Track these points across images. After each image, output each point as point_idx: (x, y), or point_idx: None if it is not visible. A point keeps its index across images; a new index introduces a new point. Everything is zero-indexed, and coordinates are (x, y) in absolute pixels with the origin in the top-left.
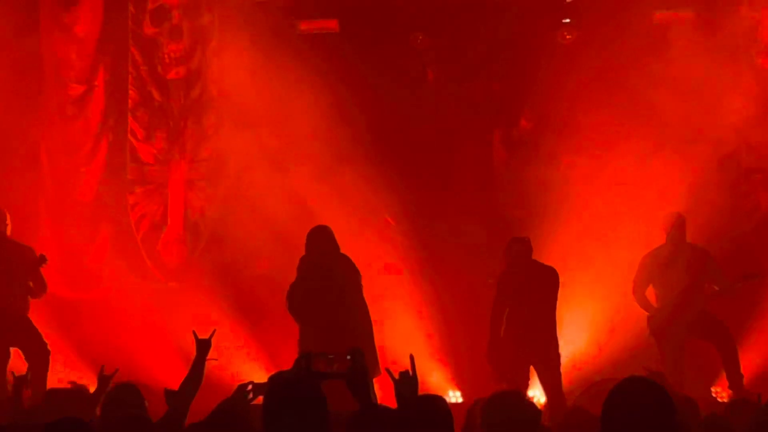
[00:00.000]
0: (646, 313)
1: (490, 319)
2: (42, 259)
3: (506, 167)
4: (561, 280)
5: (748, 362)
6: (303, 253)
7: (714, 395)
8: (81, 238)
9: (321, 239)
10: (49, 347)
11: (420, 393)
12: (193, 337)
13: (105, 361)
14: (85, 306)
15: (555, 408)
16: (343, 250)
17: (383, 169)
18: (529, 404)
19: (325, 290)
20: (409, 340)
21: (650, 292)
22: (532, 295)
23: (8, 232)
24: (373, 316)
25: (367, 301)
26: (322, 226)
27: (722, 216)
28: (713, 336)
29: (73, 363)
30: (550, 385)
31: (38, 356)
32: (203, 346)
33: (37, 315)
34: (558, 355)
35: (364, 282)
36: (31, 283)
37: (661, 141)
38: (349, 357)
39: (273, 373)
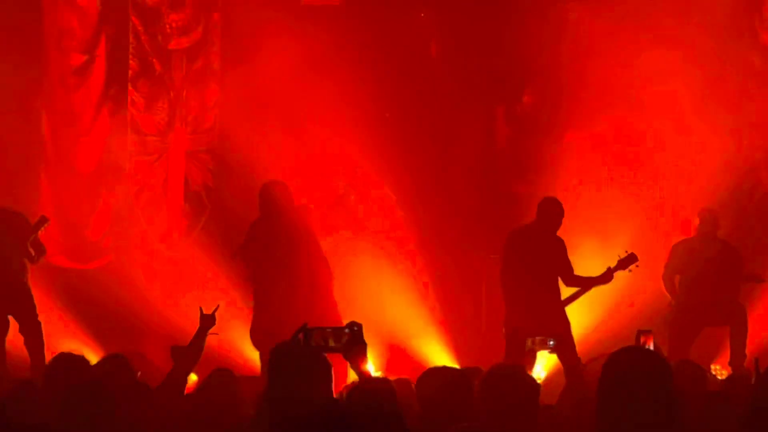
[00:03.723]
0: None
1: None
2: (43, 220)
3: (508, 142)
4: None
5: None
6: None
7: (713, 372)
8: (81, 209)
9: (278, 198)
10: (39, 319)
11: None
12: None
13: (105, 332)
14: (86, 276)
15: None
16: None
17: (385, 143)
18: (529, 379)
19: (286, 253)
20: (409, 313)
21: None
22: (536, 263)
23: None
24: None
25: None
26: (275, 181)
27: (723, 193)
28: (728, 319)
29: (73, 333)
30: (568, 359)
31: (31, 328)
32: (207, 320)
33: (37, 285)
34: (568, 324)
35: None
36: (31, 250)
37: (662, 118)
38: (347, 330)
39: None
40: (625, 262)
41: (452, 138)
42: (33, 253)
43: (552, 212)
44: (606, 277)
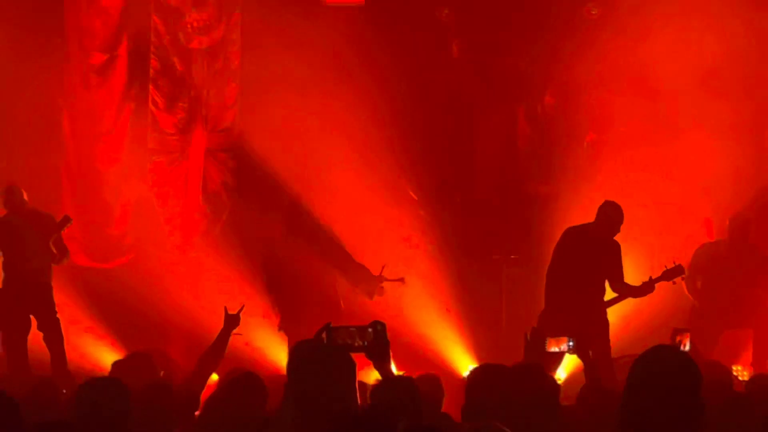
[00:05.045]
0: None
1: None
2: (66, 220)
3: (530, 143)
4: None
5: None
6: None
7: (735, 373)
8: (102, 207)
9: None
10: (58, 317)
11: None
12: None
13: (126, 330)
14: (106, 275)
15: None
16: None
17: (407, 144)
18: (548, 379)
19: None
20: (429, 312)
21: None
22: (587, 263)
23: (25, 199)
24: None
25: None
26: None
27: (745, 194)
28: (751, 322)
29: (94, 332)
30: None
31: (50, 327)
32: (231, 321)
33: (58, 284)
34: (606, 326)
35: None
36: (54, 250)
37: (685, 118)
38: (370, 329)
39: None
40: (670, 274)
41: (473, 138)
42: (55, 252)
43: (613, 217)
44: (648, 288)
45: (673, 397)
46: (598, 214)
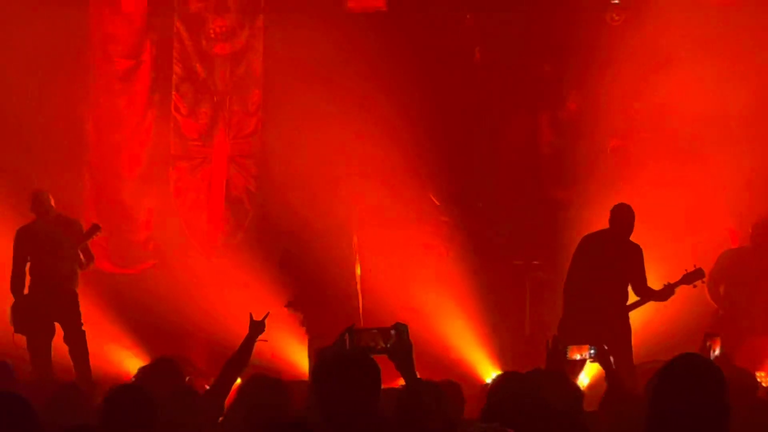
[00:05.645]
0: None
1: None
2: (95, 228)
3: (552, 149)
4: None
5: None
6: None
7: (759, 380)
8: (125, 213)
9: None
10: (83, 328)
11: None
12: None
13: (148, 336)
14: (129, 281)
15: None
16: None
17: (429, 149)
18: (572, 385)
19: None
20: (452, 318)
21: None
22: (609, 268)
23: (52, 204)
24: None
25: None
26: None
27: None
28: None
29: (117, 337)
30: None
31: (75, 337)
32: (256, 327)
33: (82, 290)
34: (629, 332)
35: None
36: (82, 257)
37: (708, 126)
38: (393, 332)
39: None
40: (690, 277)
41: (496, 144)
42: (83, 260)
43: (623, 218)
44: (669, 292)
45: (700, 404)
46: (612, 219)
